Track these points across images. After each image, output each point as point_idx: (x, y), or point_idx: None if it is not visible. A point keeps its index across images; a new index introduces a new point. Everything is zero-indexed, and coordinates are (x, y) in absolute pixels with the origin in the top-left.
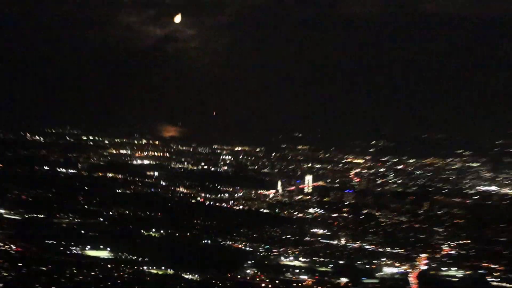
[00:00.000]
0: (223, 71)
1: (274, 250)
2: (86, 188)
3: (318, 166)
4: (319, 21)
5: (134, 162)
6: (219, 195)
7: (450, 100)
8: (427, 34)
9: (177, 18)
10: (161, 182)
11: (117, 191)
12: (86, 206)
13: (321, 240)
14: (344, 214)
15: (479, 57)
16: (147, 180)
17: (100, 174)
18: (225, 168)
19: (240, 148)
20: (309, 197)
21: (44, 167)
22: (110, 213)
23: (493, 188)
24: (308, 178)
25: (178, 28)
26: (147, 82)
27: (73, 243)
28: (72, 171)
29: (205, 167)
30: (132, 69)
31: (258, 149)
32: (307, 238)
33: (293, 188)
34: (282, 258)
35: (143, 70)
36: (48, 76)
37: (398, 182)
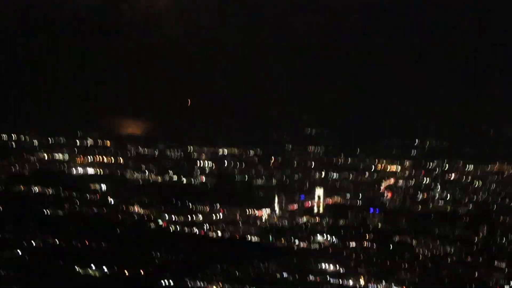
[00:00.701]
0: (203, 37)
1: None
2: (0, 208)
3: (335, 175)
4: None
5: (74, 171)
6: (190, 217)
7: None
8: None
9: None
10: (109, 199)
11: (45, 212)
12: None
13: (331, 281)
14: (367, 243)
15: None
16: (89, 196)
17: (23, 188)
18: (203, 179)
19: (226, 151)
20: (318, 219)
21: None
22: (33, 242)
23: None
24: (319, 193)
25: None
26: (96, 56)
27: None
28: None
29: (174, 178)
30: (73, 39)
31: (251, 152)
32: (311, 278)
33: (295, 206)
34: None
35: (89, 38)
36: None
37: (447, 198)
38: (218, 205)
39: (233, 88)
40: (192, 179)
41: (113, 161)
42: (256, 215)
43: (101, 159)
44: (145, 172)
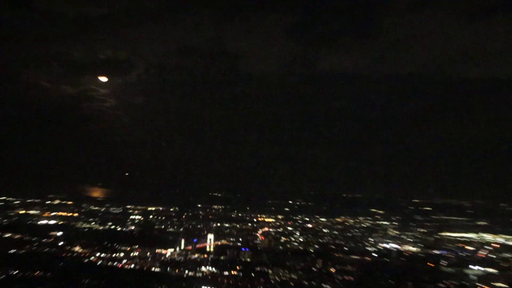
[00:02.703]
0: (147, 129)
1: None
2: None
3: (227, 225)
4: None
5: (40, 222)
6: (114, 254)
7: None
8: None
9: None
10: (59, 242)
11: (10, 251)
12: None
13: None
14: (236, 272)
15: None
16: (45, 240)
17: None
18: (132, 227)
19: (153, 208)
20: (206, 255)
21: None
22: None
23: (395, 245)
24: (210, 237)
25: (91, 87)
26: (67, 144)
27: None
28: None
29: (112, 226)
30: (48, 129)
31: (171, 209)
32: None
33: (192, 247)
34: None
35: (59, 130)
36: None
37: (302, 240)
38: (136, 246)
39: (165, 164)
40: (124, 228)
41: (70, 215)
42: (162, 252)
43: (62, 213)
44: (92, 223)
